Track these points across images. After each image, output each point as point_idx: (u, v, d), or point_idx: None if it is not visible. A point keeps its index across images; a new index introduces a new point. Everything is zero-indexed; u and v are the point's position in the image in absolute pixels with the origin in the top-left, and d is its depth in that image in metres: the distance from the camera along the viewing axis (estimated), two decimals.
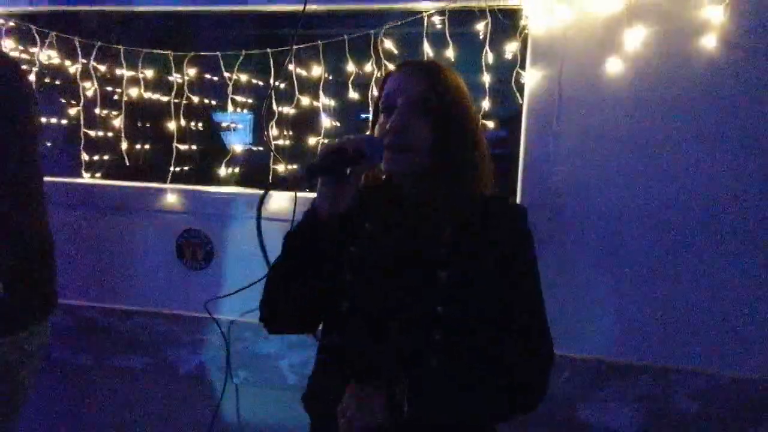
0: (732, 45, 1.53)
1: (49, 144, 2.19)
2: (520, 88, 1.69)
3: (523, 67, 1.67)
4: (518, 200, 1.72)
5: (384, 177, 1.14)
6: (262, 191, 0.99)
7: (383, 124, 1.05)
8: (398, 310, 1.01)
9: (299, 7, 1.72)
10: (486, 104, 1.71)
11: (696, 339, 1.63)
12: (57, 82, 2.09)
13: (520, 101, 1.69)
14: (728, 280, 1.60)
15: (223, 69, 1.89)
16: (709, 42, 1.53)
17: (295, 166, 1.91)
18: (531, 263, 1.08)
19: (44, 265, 1.51)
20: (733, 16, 1.52)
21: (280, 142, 1.97)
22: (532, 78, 1.66)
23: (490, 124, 1.73)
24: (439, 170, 1.03)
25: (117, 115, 2.02)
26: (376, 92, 1.79)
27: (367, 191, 1.11)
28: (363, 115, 1.89)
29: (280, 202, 1.82)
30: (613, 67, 1.60)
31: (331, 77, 1.88)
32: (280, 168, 1.87)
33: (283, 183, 0.94)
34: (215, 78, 1.97)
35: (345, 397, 0.97)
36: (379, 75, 1.79)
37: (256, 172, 2.12)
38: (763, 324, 1.59)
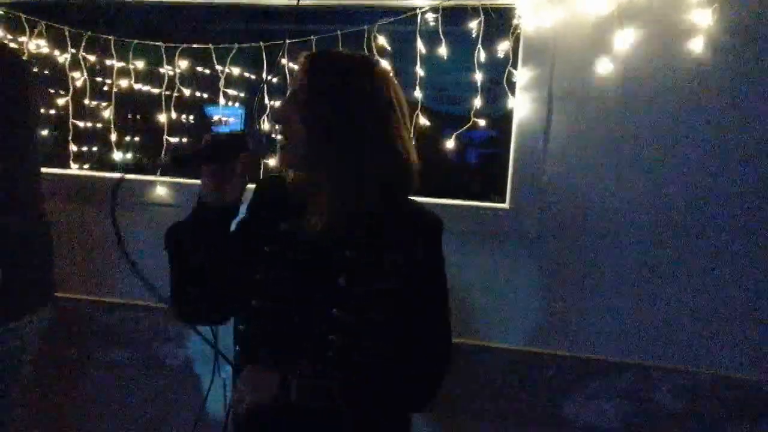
0: (719, 48, 1.56)
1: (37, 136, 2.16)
2: (512, 87, 1.70)
3: (515, 66, 1.69)
4: (508, 200, 1.73)
5: (289, 175, 1.14)
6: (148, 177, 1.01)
7: None
8: (301, 309, 1.05)
9: (293, 2, 1.72)
10: (477, 102, 1.72)
11: (679, 337, 1.65)
12: (45, 72, 2.07)
13: (512, 100, 1.70)
14: (712, 278, 1.63)
15: (215, 62, 1.88)
16: (697, 44, 1.56)
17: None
18: (437, 272, 1.08)
19: (42, 254, 1.51)
20: (720, 19, 1.54)
21: (273, 135, 1.97)
22: (523, 77, 1.67)
23: (482, 123, 1.74)
24: (313, 168, 1.05)
25: (107, 107, 2.01)
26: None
27: (290, 189, 1.12)
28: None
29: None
30: (604, 67, 1.62)
31: None
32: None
33: (150, 168, 1.00)
34: (207, 71, 1.96)
35: (241, 376, 1.03)
36: None
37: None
38: (746, 322, 1.62)
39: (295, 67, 1.82)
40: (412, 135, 1.13)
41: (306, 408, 1.01)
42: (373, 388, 1.05)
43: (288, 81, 1.11)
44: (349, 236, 1.04)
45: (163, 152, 1.95)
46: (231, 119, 2.16)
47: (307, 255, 1.06)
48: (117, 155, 2.01)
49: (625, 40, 1.58)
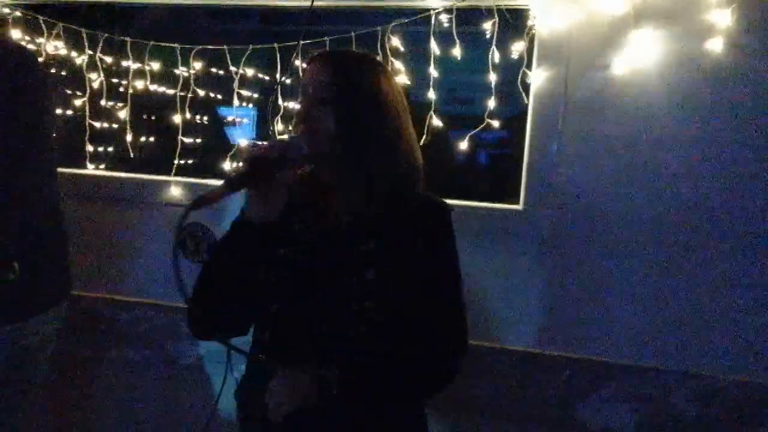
0: (738, 48, 1.53)
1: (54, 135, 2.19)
2: (526, 88, 1.69)
3: (529, 67, 1.68)
4: (522, 201, 1.72)
5: (306, 173, 1.13)
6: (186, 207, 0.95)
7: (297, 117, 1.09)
8: (327, 307, 1.05)
9: (307, 3, 1.73)
10: (491, 104, 1.72)
11: (696, 341, 1.63)
12: (63, 73, 2.09)
13: (526, 101, 1.69)
14: (730, 283, 1.60)
15: (230, 63, 1.89)
16: (716, 45, 1.53)
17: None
18: (452, 259, 1.11)
19: (59, 252, 1.53)
20: (740, 19, 1.52)
21: (285, 137, 1.97)
22: (538, 78, 1.66)
23: (496, 124, 1.74)
24: (342, 162, 1.05)
25: (122, 107, 2.03)
26: None
27: (291, 190, 1.11)
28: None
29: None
30: (619, 68, 1.60)
31: None
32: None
33: (202, 203, 0.94)
34: (221, 72, 1.97)
35: (273, 382, 0.99)
36: None
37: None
38: (763, 326, 1.59)
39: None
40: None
41: (343, 407, 1.00)
42: (405, 372, 1.06)
43: (302, 79, 1.10)
44: (373, 229, 1.06)
45: (177, 153, 1.97)
46: (244, 120, 2.17)
47: (328, 253, 1.07)
48: (132, 155, 2.03)
49: (642, 40, 1.57)
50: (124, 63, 1.98)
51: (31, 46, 1.97)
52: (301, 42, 1.76)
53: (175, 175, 1.97)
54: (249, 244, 1.02)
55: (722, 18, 1.51)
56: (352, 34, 1.76)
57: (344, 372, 0.99)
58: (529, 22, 1.66)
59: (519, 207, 1.73)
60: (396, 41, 1.75)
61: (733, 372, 1.61)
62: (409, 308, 1.05)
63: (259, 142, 1.01)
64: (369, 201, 1.06)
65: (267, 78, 2.00)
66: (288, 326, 1.08)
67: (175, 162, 1.97)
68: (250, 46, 1.87)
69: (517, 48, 1.67)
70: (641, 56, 1.58)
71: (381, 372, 1.04)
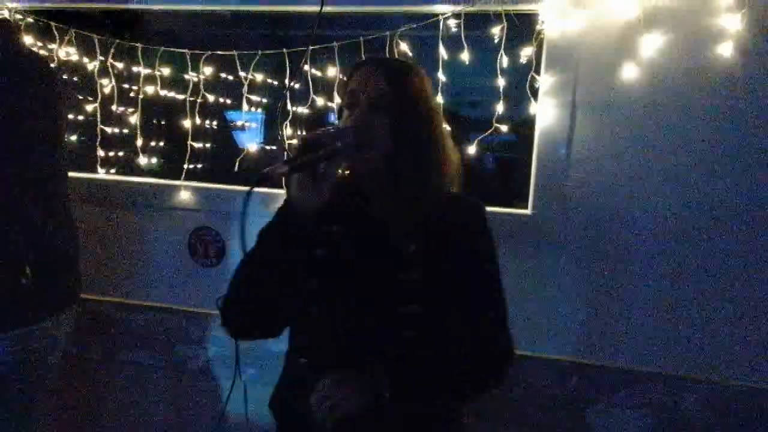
0: (749, 53, 1.53)
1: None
2: (535, 92, 1.69)
3: (537, 71, 1.68)
4: (530, 206, 1.72)
5: (346, 176, 1.14)
6: (247, 188, 0.96)
7: (346, 121, 1.08)
8: (370, 310, 1.04)
9: (316, 8, 1.73)
10: (500, 108, 1.72)
11: (707, 347, 1.62)
12: (74, 79, 2.11)
13: (535, 106, 1.69)
14: (740, 287, 1.59)
15: (239, 68, 1.91)
16: (726, 50, 1.53)
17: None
18: (491, 260, 1.12)
19: (69, 255, 1.54)
20: (750, 24, 1.51)
21: (294, 141, 1.98)
22: (546, 83, 1.66)
23: (504, 128, 1.73)
24: (398, 169, 1.05)
25: (133, 112, 2.04)
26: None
27: (335, 192, 1.10)
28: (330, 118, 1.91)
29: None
30: (629, 73, 1.60)
31: (345, 78, 1.88)
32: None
33: (264, 179, 0.93)
34: (230, 77, 1.98)
35: (320, 387, 0.96)
36: None
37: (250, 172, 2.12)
38: None
39: (318, 73, 1.86)
40: None
41: (392, 413, 0.99)
42: (453, 376, 1.06)
43: (350, 84, 1.11)
44: (415, 232, 1.06)
45: (187, 158, 1.98)
46: (253, 124, 2.18)
47: (370, 255, 1.07)
48: (142, 160, 2.05)
49: (651, 45, 1.56)
50: (135, 68, 2.00)
51: (43, 52, 2.00)
52: (310, 47, 1.77)
53: (185, 179, 1.98)
54: (289, 237, 1.00)
55: (732, 22, 1.51)
56: (361, 39, 1.77)
57: (394, 377, 0.98)
58: (538, 27, 1.66)
59: (527, 211, 1.72)
60: (404, 46, 1.75)
61: (749, 379, 1.60)
62: (454, 311, 1.05)
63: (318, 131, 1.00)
64: (413, 203, 1.06)
65: (276, 83, 2.01)
66: (328, 330, 1.06)
67: (185, 166, 1.98)
68: (259, 52, 1.88)
69: (526, 53, 1.67)
70: (650, 61, 1.58)
71: (430, 376, 1.03)
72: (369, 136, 1.03)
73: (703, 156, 1.59)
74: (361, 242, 1.08)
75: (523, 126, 1.80)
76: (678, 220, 1.61)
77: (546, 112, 1.67)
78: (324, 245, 1.08)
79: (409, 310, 1.02)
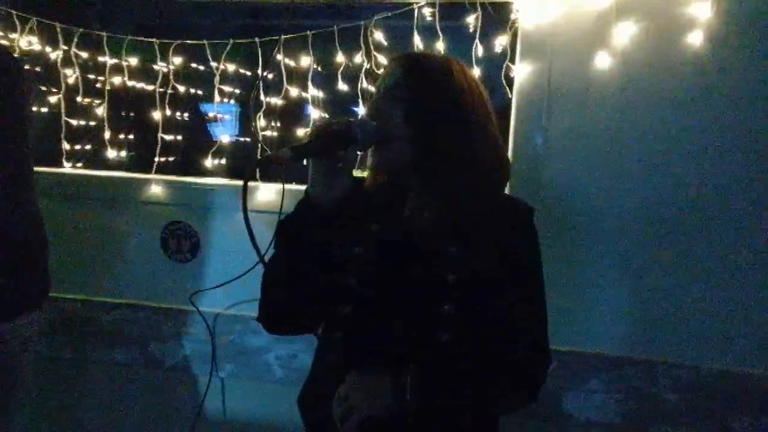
0: (719, 41, 1.55)
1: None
2: (510, 82, 1.69)
3: (512, 61, 1.68)
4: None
5: (377, 170, 1.10)
6: (242, 180, 0.94)
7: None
8: (405, 310, 1.00)
9: None
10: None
11: (681, 331, 1.65)
12: (37, 69, 2.04)
13: (510, 96, 1.69)
14: (715, 274, 1.62)
15: (210, 58, 1.86)
16: (696, 38, 1.55)
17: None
18: (536, 262, 1.08)
19: (37, 254, 1.50)
20: (720, 12, 1.53)
21: (268, 133, 1.95)
22: (521, 72, 1.66)
23: None
24: (421, 164, 1.02)
25: (99, 104, 1.98)
26: (365, 84, 1.80)
27: (371, 191, 1.09)
28: (353, 108, 1.88)
29: (266, 194, 1.81)
30: (602, 62, 1.61)
31: (320, 68, 1.86)
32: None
33: (268, 165, 0.91)
34: (202, 67, 1.94)
35: (345, 384, 0.94)
36: (368, 67, 1.78)
37: (242, 163, 2.09)
38: (748, 317, 1.61)
39: (291, 63, 1.83)
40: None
41: (417, 414, 0.94)
42: (486, 382, 1.01)
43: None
44: (454, 232, 1.01)
45: (157, 150, 1.93)
46: (226, 116, 2.14)
47: (408, 255, 1.02)
48: (110, 153, 1.99)
49: (624, 34, 1.57)
50: (101, 58, 1.94)
51: (3, 42, 1.92)
52: (283, 37, 1.74)
53: (156, 173, 1.93)
54: (313, 225, 0.98)
55: (703, 11, 1.53)
56: (335, 28, 1.75)
57: (422, 379, 0.94)
58: (512, 16, 1.65)
59: None
60: (379, 35, 1.74)
61: (723, 363, 1.62)
62: (492, 314, 1.00)
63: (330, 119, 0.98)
64: (451, 203, 1.02)
65: (249, 74, 1.97)
66: (362, 328, 1.02)
67: (156, 159, 1.93)
68: (230, 41, 1.84)
69: (501, 42, 1.67)
70: (623, 49, 1.59)
71: (460, 381, 0.99)
72: (384, 127, 1.00)
73: (677, 145, 1.61)
74: (400, 241, 1.03)
75: (499, 116, 1.79)
76: (654, 210, 1.63)
77: (521, 101, 1.67)
78: (360, 243, 1.03)
79: (444, 312, 0.97)
